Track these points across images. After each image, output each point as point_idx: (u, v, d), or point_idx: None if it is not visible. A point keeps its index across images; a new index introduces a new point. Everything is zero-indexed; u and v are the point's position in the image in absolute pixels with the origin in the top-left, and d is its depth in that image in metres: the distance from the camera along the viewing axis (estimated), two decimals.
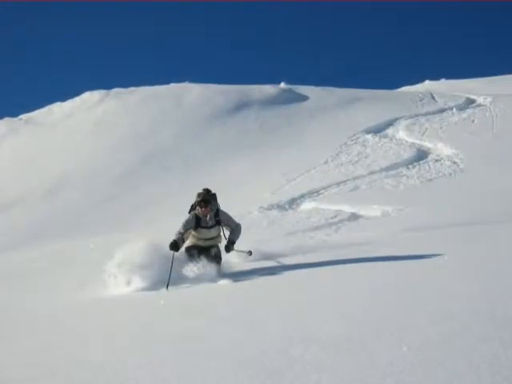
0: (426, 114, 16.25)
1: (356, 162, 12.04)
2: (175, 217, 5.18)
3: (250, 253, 4.39)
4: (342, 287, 3.21)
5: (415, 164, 11.11)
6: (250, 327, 2.46)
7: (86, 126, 18.52)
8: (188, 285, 3.81)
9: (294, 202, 9.28)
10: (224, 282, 3.73)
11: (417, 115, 16.18)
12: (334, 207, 8.16)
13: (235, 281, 3.75)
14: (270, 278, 3.81)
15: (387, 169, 11.01)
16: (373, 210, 7.61)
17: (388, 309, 2.43)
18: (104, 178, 14.18)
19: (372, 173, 10.82)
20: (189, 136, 16.63)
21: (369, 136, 14.28)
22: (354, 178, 10.55)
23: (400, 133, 14.31)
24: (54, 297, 4.36)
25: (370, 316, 2.32)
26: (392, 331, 2.03)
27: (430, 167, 10.81)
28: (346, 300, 2.78)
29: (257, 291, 3.51)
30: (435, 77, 27.66)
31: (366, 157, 12.35)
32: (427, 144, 12.84)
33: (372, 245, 4.78)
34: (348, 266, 3.82)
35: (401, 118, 15.91)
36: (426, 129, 14.23)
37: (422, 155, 11.86)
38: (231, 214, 4.44)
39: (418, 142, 13.13)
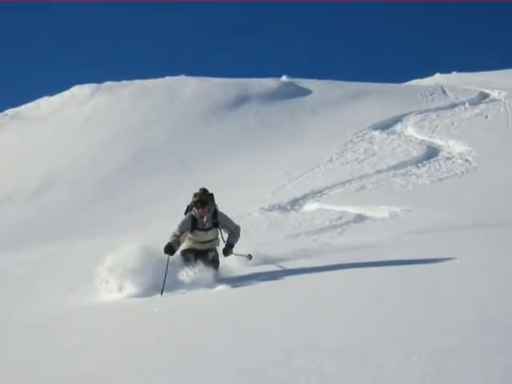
0: (436, 110, 16.28)
1: (362, 160, 12.05)
2: (170, 218, 5.19)
3: (249, 257, 4.38)
4: (347, 293, 3.22)
5: (425, 162, 11.13)
6: (250, 335, 2.46)
7: (75, 122, 18.53)
8: (184, 290, 3.81)
9: (296, 203, 9.30)
10: (222, 287, 3.73)
11: (427, 110, 16.20)
12: (339, 208, 8.17)
13: (234, 286, 3.76)
14: (271, 284, 3.81)
15: (395, 167, 11.03)
16: (380, 211, 7.62)
17: (396, 316, 2.44)
18: (95, 177, 14.19)
19: (379, 171, 10.84)
20: (185, 132, 16.64)
21: (376, 132, 14.30)
22: (360, 177, 10.57)
23: (409, 129, 14.34)
24: (42, 303, 4.36)
25: (378, 323, 2.33)
26: (401, 339, 2.04)
27: (440, 165, 10.81)
28: (352, 306, 2.78)
29: (257, 297, 3.52)
30: (446, 70, 27.71)
31: (372, 154, 12.36)
32: (438, 141, 12.86)
33: (379, 248, 4.79)
34: (354, 270, 3.83)
35: (410, 113, 15.93)
36: (437, 125, 14.25)
37: (432, 153, 11.87)
38: (230, 215, 4.44)
39: (428, 138, 13.15)
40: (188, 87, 20.38)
